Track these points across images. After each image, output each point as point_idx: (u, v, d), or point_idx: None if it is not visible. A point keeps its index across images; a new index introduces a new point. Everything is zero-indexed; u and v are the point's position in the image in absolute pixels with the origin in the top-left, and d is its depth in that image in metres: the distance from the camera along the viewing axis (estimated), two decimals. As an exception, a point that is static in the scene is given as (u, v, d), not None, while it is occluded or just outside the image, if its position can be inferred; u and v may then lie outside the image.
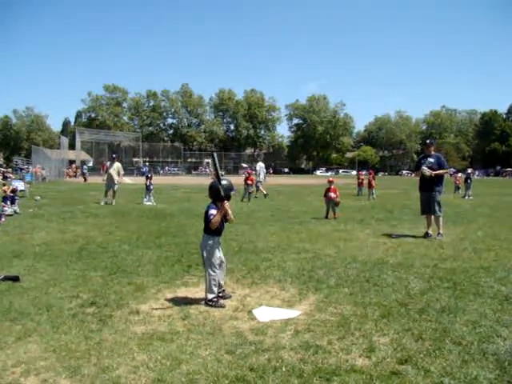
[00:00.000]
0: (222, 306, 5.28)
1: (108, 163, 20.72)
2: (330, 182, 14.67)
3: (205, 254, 5.47)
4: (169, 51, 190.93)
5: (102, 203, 18.92)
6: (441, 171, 10.47)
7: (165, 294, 5.79)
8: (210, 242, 5.49)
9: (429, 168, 10.36)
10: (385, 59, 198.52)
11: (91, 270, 7.04)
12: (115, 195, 19.66)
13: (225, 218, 5.52)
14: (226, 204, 5.42)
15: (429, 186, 10.49)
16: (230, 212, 5.49)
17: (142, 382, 3.47)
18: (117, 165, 20.29)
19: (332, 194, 14.27)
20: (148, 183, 19.89)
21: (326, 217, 14.17)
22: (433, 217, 10.50)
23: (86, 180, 47.92)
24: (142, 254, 8.29)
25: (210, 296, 5.36)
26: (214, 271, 5.44)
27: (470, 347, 4.08)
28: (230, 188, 5.52)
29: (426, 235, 10.40)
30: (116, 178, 19.80)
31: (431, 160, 10.50)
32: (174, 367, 3.69)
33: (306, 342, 4.19)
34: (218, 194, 5.41)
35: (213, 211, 5.41)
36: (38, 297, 5.58)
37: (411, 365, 3.74)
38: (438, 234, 10.30)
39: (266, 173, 22.88)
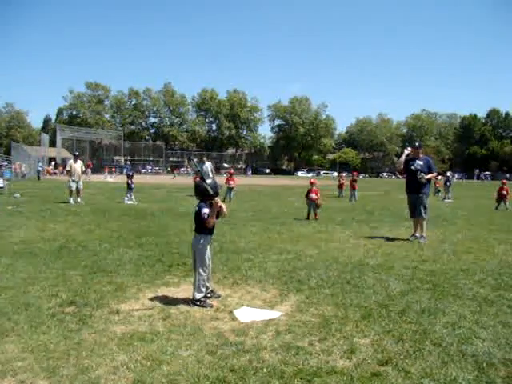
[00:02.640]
0: (210, 306, 5.26)
1: (71, 161, 20.00)
2: (312, 184, 14.73)
3: (197, 254, 5.44)
4: (152, 49, 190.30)
5: (72, 202, 18.37)
6: (431, 175, 10.50)
7: (145, 294, 5.74)
8: (202, 240, 5.48)
9: (418, 171, 10.37)
10: (367, 62, 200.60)
11: (71, 268, 6.96)
12: (81, 193, 19.18)
13: (217, 215, 5.50)
14: (218, 200, 5.41)
15: (416, 188, 10.51)
16: (224, 206, 5.52)
17: (121, 383, 3.44)
18: (80, 163, 19.95)
19: (313, 196, 14.32)
20: (129, 182, 19.75)
21: (308, 218, 14.21)
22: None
23: (39, 178, 44.76)
24: (122, 253, 8.21)
25: (199, 296, 5.33)
26: (204, 271, 5.44)
27: (450, 348, 4.12)
28: (215, 185, 5.52)
29: (412, 237, 10.47)
30: (80, 175, 19.39)
31: (420, 163, 10.48)
32: (154, 368, 3.67)
33: (286, 343, 4.19)
34: (206, 193, 5.40)
35: (205, 210, 5.40)
36: (16, 296, 5.49)
37: (392, 366, 3.77)
38: (421, 236, 10.37)
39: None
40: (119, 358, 3.84)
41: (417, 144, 11.19)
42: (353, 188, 23.62)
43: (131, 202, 19.01)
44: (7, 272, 6.64)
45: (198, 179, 5.76)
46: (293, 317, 4.96)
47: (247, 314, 5.01)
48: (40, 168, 48.26)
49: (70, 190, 18.88)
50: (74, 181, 18.86)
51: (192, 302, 5.35)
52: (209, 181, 5.47)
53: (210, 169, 23.30)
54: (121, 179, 49.66)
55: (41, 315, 4.82)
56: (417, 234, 10.50)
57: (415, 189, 10.52)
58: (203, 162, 23.47)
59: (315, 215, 14.29)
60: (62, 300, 5.37)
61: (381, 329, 4.60)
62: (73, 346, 4.06)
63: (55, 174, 62.12)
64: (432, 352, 4.05)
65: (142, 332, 4.42)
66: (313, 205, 14.33)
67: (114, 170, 66.11)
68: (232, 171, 24.96)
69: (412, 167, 10.50)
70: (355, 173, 28.16)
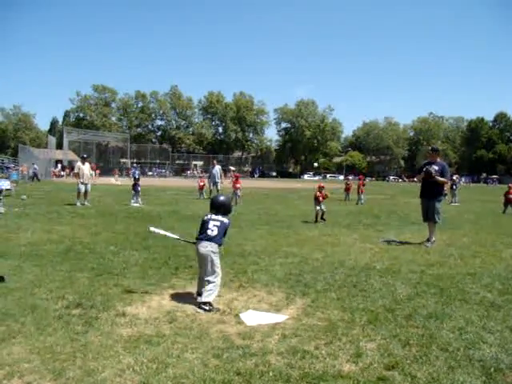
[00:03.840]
0: (218, 310, 5.27)
1: (79, 163, 19.99)
2: (321, 188, 14.82)
3: (214, 263, 5.53)
4: (159, 52, 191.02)
5: (78, 204, 18.43)
6: (441, 179, 10.40)
7: (152, 297, 5.74)
8: (218, 250, 5.64)
9: (433, 170, 10.28)
10: (374, 65, 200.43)
11: (77, 271, 6.98)
12: (88, 195, 19.19)
13: None
14: None
15: (430, 193, 10.45)
16: None
17: (127, 386, 3.44)
18: (88, 165, 19.99)
19: (320, 198, 14.44)
20: (136, 185, 19.83)
21: (316, 221, 14.26)
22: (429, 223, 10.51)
23: (33, 180, 43.48)
24: (128, 255, 8.23)
25: (210, 299, 5.35)
26: (218, 279, 5.55)
27: (457, 353, 4.10)
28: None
29: (427, 242, 10.38)
30: (89, 178, 19.44)
31: (435, 167, 10.35)
32: (160, 371, 3.67)
33: (293, 347, 4.18)
34: (229, 211, 6.00)
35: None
36: (22, 297, 5.51)
37: (398, 371, 3.75)
38: (428, 240, 10.32)
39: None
40: (125, 360, 3.84)
41: (433, 147, 11.08)
42: (360, 191, 23.69)
43: (138, 205, 19.05)
44: (14, 274, 6.66)
45: (223, 198, 6.15)
46: (299, 320, 4.95)
47: (253, 318, 5.00)
48: (35, 170, 46.36)
49: (78, 192, 18.93)
50: (82, 183, 18.91)
51: (200, 305, 5.35)
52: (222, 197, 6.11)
53: (219, 173, 23.55)
54: (129, 181, 49.92)
55: (47, 317, 4.83)
56: (432, 239, 10.43)
57: (429, 193, 10.46)
58: (214, 166, 23.74)
59: (322, 216, 14.37)
60: (69, 302, 5.38)
61: (387, 333, 4.58)
62: (79, 348, 4.07)
63: (62, 176, 62.35)
64: (439, 357, 4.03)
65: (148, 335, 4.42)
66: (321, 207, 14.36)
67: (116, 172, 66.04)
68: (238, 174, 24.99)
69: (424, 169, 10.42)
70: (361, 176, 28.15)
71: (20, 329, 4.47)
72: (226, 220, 5.75)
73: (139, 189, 20.01)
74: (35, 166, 46.33)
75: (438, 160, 10.69)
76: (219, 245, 5.66)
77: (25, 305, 5.22)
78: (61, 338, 4.26)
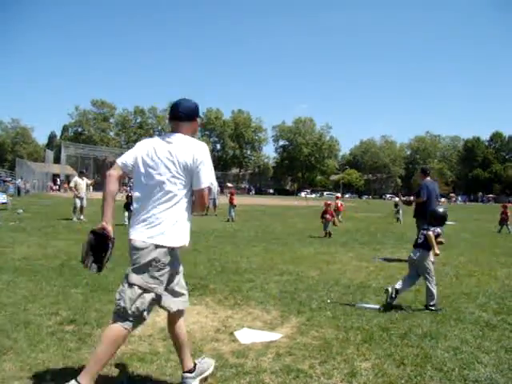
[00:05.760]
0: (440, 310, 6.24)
1: (76, 178, 20.02)
2: (328, 205, 15.29)
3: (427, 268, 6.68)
4: (158, 68, 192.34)
5: (75, 219, 18.41)
6: (406, 198, 10.67)
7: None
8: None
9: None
10: (371, 84, 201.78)
11: (72, 286, 6.95)
12: (83, 211, 19.13)
13: None
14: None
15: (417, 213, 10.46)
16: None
17: (119, 404, 3.41)
18: (86, 180, 20.05)
19: (329, 216, 15.25)
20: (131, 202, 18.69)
21: (325, 235, 15.08)
22: None
23: (19, 194, 42.30)
24: (124, 271, 8.16)
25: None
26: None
27: (451, 373, 4.08)
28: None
29: None
30: (85, 192, 19.48)
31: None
32: (153, 389, 3.64)
33: (287, 366, 4.15)
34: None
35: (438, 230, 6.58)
36: (15, 313, 5.47)
37: (392, 391, 3.73)
38: None
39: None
40: (118, 378, 3.81)
41: (422, 168, 11.32)
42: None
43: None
44: (8, 289, 6.63)
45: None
46: (294, 339, 4.92)
47: (248, 336, 4.98)
48: (19, 184, 44.65)
49: (74, 207, 18.91)
50: (79, 197, 18.89)
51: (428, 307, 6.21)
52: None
53: (217, 189, 23.65)
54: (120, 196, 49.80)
55: (40, 333, 4.79)
56: None
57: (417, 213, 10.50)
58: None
59: (329, 234, 15.12)
60: (62, 318, 5.35)
61: (382, 352, 4.56)
62: (72, 365, 4.03)
63: (58, 190, 62.26)
64: (433, 377, 4.00)
65: (141, 352, 4.39)
66: (328, 224, 15.13)
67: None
68: (233, 191, 25.10)
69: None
70: (338, 196, 28.18)
71: (12, 345, 4.43)
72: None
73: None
74: (18, 180, 45.24)
75: (428, 179, 10.66)
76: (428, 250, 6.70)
77: (18, 320, 5.18)
78: (53, 355, 4.22)
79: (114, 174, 3.54)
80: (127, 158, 3.55)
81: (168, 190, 3.37)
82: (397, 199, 30.65)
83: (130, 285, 3.37)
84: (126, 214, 17.39)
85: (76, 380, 3.18)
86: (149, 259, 3.34)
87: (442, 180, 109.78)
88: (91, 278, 7.48)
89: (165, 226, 3.35)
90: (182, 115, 3.60)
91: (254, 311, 5.99)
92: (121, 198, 45.92)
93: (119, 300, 3.37)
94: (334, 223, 15.59)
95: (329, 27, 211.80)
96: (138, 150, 3.55)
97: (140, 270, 3.37)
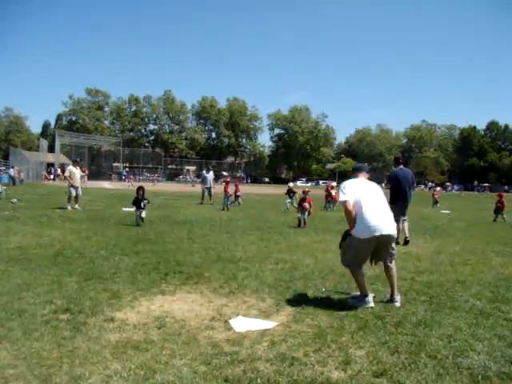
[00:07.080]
0: None
1: (70, 167, 19.90)
2: (305, 193, 15.01)
3: None
4: (153, 56, 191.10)
5: (69, 208, 18.23)
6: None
7: (141, 302, 5.71)
8: None
9: None
10: (367, 73, 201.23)
11: (66, 275, 6.92)
12: (79, 200, 19.06)
13: None
14: None
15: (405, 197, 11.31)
16: None
17: (114, 392, 3.41)
18: (79, 169, 20.03)
19: (306, 205, 14.80)
20: (140, 197, 14.13)
21: (299, 226, 14.55)
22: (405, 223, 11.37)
23: (14, 183, 41.22)
24: (118, 260, 8.18)
25: None
26: None
27: (445, 361, 4.10)
28: None
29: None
30: (80, 181, 19.51)
31: None
32: (148, 377, 3.64)
33: (281, 354, 4.16)
34: None
35: None
36: (10, 302, 5.46)
37: (387, 378, 3.74)
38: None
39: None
40: (113, 366, 3.81)
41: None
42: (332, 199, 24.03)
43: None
44: (2, 278, 6.61)
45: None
46: (288, 327, 4.93)
47: (243, 324, 4.98)
48: (11, 173, 43.45)
49: (69, 196, 18.79)
50: (73, 187, 18.80)
51: None
52: None
53: (212, 178, 24.36)
54: (120, 186, 49.83)
55: (35, 322, 4.78)
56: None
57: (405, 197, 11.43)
58: (208, 171, 24.68)
59: (304, 223, 14.67)
60: (57, 307, 5.34)
61: (376, 340, 4.57)
62: (66, 353, 4.03)
63: (53, 180, 62.05)
64: (427, 364, 4.02)
65: (136, 340, 4.39)
66: (304, 213, 14.71)
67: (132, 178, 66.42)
68: (228, 179, 25.02)
69: None
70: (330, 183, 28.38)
71: (6, 334, 4.42)
72: None
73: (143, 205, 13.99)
74: (11, 169, 44.40)
75: (401, 167, 11.74)
76: None
77: (12, 309, 5.17)
78: (48, 344, 4.22)
79: None
80: None
81: None
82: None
83: None
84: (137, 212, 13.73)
85: None
86: None
87: (437, 169, 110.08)
88: (86, 267, 7.48)
89: None
90: None
91: (249, 299, 6.00)
92: (127, 187, 45.73)
93: None
94: (309, 213, 14.96)
95: (324, 15, 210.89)
96: None
97: None
